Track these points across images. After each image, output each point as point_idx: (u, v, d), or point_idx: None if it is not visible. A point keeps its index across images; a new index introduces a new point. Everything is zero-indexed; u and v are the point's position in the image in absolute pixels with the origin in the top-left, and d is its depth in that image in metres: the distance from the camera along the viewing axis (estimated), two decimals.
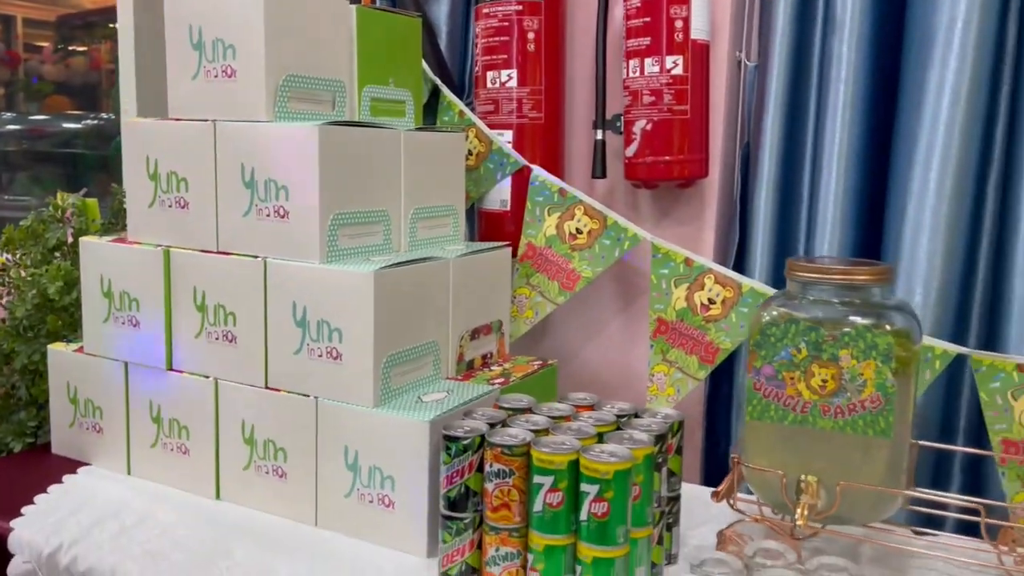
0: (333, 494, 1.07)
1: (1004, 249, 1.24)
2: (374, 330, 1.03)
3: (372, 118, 1.24)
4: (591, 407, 1.05)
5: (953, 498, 1.04)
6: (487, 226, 1.47)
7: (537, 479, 0.88)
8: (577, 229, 1.38)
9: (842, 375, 0.88)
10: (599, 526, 0.86)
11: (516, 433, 0.93)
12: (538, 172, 1.40)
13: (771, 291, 1.23)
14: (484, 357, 1.27)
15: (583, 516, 0.87)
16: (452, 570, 0.95)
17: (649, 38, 1.29)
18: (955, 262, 1.24)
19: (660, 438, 0.95)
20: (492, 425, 0.96)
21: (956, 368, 1.19)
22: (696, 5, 1.28)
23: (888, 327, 0.89)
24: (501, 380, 1.18)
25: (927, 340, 1.19)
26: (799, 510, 0.88)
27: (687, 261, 1.31)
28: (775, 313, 0.93)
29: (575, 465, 0.87)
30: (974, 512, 0.91)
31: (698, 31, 1.29)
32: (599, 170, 1.40)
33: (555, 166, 1.45)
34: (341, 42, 1.19)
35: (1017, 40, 1.22)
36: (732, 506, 0.97)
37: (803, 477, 0.88)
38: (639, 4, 1.29)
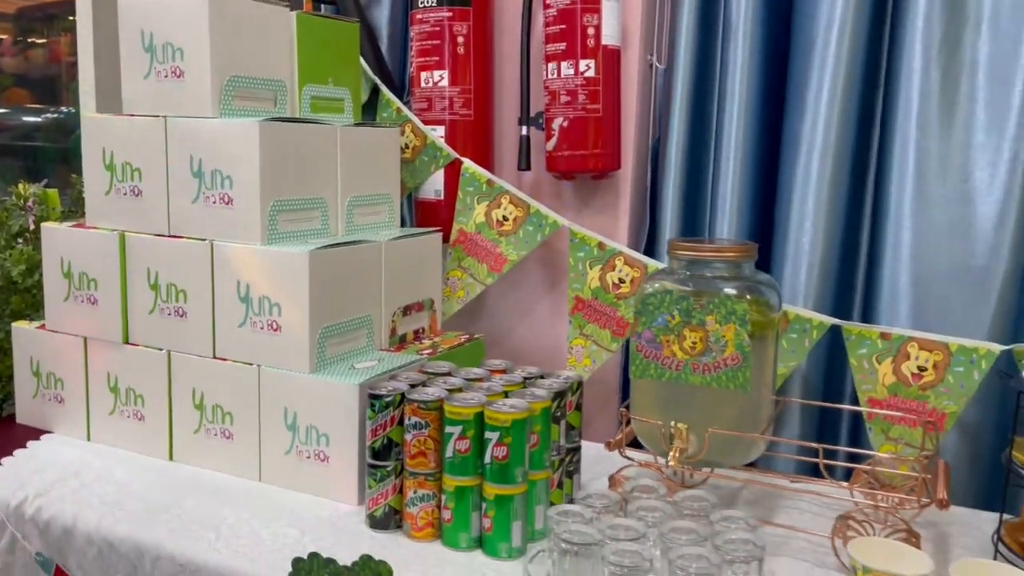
0: (275, 452, 1.20)
1: (879, 233, 1.40)
2: (309, 305, 1.16)
3: (312, 114, 1.36)
4: (504, 371, 1.19)
5: (798, 443, 1.20)
6: (423, 214, 1.60)
7: (448, 429, 1.02)
8: (504, 216, 1.52)
9: (708, 338, 1.02)
10: (500, 468, 1.00)
11: (432, 391, 1.06)
12: (468, 164, 1.53)
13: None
14: (416, 332, 1.40)
15: (487, 460, 1.01)
16: (377, 512, 1.08)
17: (564, 43, 1.43)
18: (834, 244, 1.40)
19: (559, 395, 1.09)
20: (413, 386, 1.10)
21: (836, 337, 1.35)
22: (607, 14, 1.42)
23: (747, 296, 1.04)
24: (429, 351, 1.31)
25: (806, 312, 1.35)
26: (671, 453, 1.02)
27: (600, 245, 1.45)
28: (656, 285, 1.07)
29: (480, 416, 1.01)
30: (832, 456, 1.06)
31: (609, 37, 1.43)
32: (524, 163, 1.54)
33: (485, 159, 1.59)
34: (282, 46, 1.31)
35: (890, 44, 1.37)
36: (622, 454, 1.12)
37: (673, 425, 1.03)
38: (556, 12, 1.43)
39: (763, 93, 1.45)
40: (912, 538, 0.96)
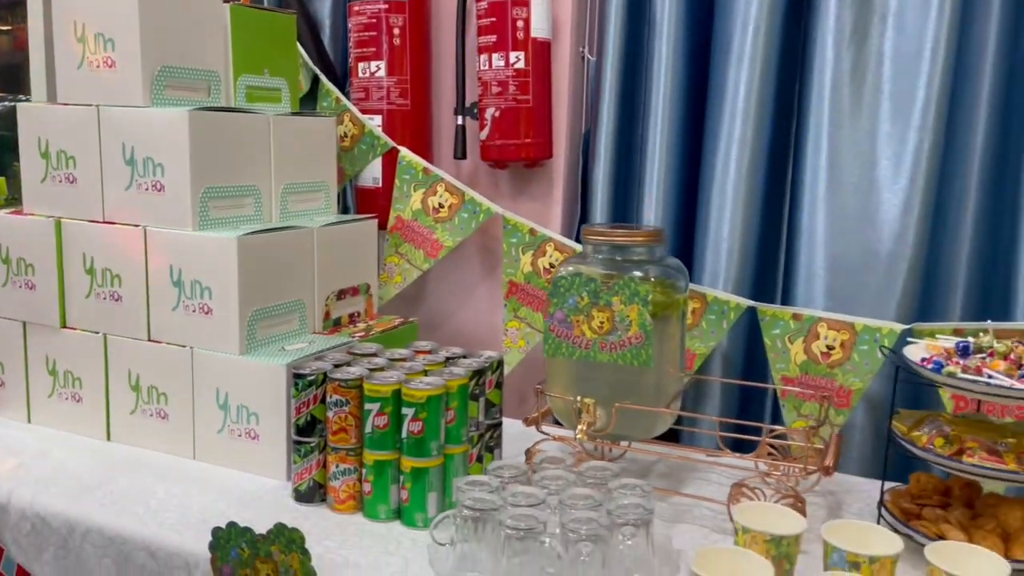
0: (207, 431, 1.24)
1: (795, 220, 1.46)
2: (239, 289, 1.20)
3: (247, 104, 1.39)
4: (429, 351, 1.24)
5: (700, 417, 1.27)
6: (362, 201, 1.65)
7: (367, 406, 1.07)
8: (439, 204, 1.56)
9: (614, 317, 1.08)
10: (416, 442, 1.05)
11: (354, 371, 1.11)
12: (404, 153, 1.58)
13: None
14: (352, 316, 1.45)
15: (403, 434, 1.06)
16: (302, 486, 1.13)
17: (495, 36, 1.48)
18: (753, 230, 1.46)
19: (477, 373, 1.15)
20: (337, 366, 1.14)
21: (755, 318, 1.42)
22: (536, 8, 1.47)
23: (652, 278, 1.09)
24: (362, 334, 1.36)
25: (724, 295, 1.42)
26: (579, 427, 1.08)
27: (532, 231, 1.51)
28: (569, 269, 1.13)
29: (397, 394, 1.06)
30: (754, 432, 1.12)
31: (538, 30, 1.48)
32: (460, 151, 1.58)
33: (423, 147, 1.63)
34: (215, 37, 1.34)
35: (804, 38, 1.43)
36: (538, 428, 1.18)
37: (577, 399, 1.09)
38: (487, 6, 1.48)
39: (687, 86, 1.50)
40: (798, 503, 1.02)
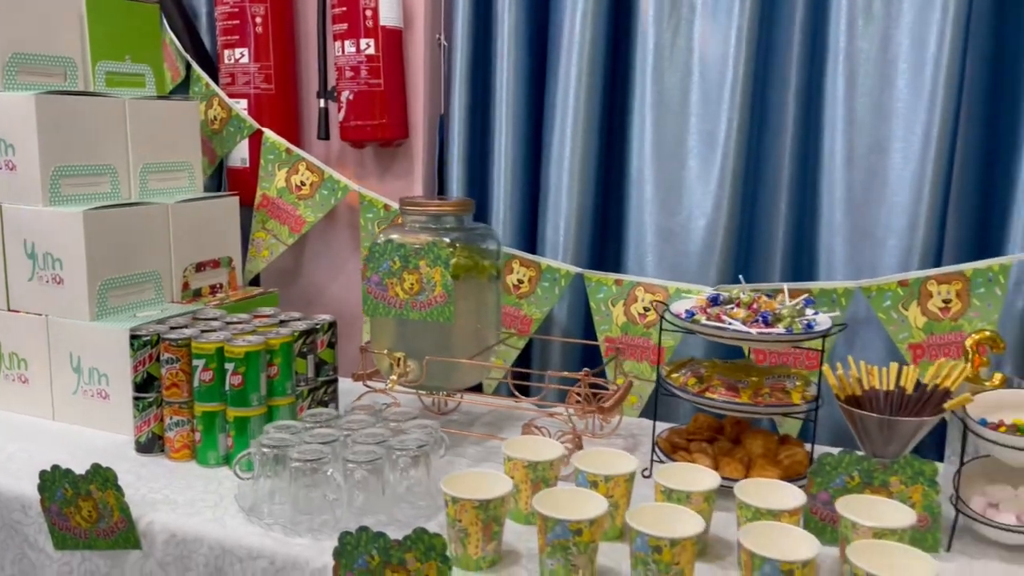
0: (64, 392, 1.34)
1: (625, 193, 1.59)
2: (87, 260, 1.29)
3: (107, 89, 1.48)
4: (269, 316, 1.35)
5: (508, 368, 1.39)
6: (232, 180, 1.74)
7: (195, 362, 1.18)
8: (301, 182, 1.67)
9: (422, 279, 1.20)
10: (238, 394, 1.16)
11: (186, 332, 1.22)
12: (268, 134, 1.67)
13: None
14: (212, 287, 1.55)
15: (227, 387, 1.17)
16: (142, 438, 1.23)
17: (347, 24, 1.58)
18: (587, 203, 1.58)
19: (305, 333, 1.26)
20: (174, 328, 1.25)
21: (579, 284, 1.54)
22: None
23: (456, 244, 1.21)
24: (217, 303, 1.46)
25: (555, 263, 1.55)
26: (391, 377, 1.20)
27: (385, 207, 1.62)
28: (382, 237, 1.24)
29: (221, 351, 1.17)
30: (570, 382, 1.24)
31: (388, 19, 1.59)
32: (323, 132, 1.68)
33: (291, 129, 1.73)
34: (70, 24, 1.42)
35: (628, 29, 1.55)
36: (364, 383, 1.29)
37: (388, 353, 1.21)
38: None
39: (528, 70, 1.62)
40: (576, 439, 1.15)
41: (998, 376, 1.11)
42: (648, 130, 1.54)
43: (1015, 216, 1.35)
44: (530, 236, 1.66)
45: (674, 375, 1.16)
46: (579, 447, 1.13)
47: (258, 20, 1.65)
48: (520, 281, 1.57)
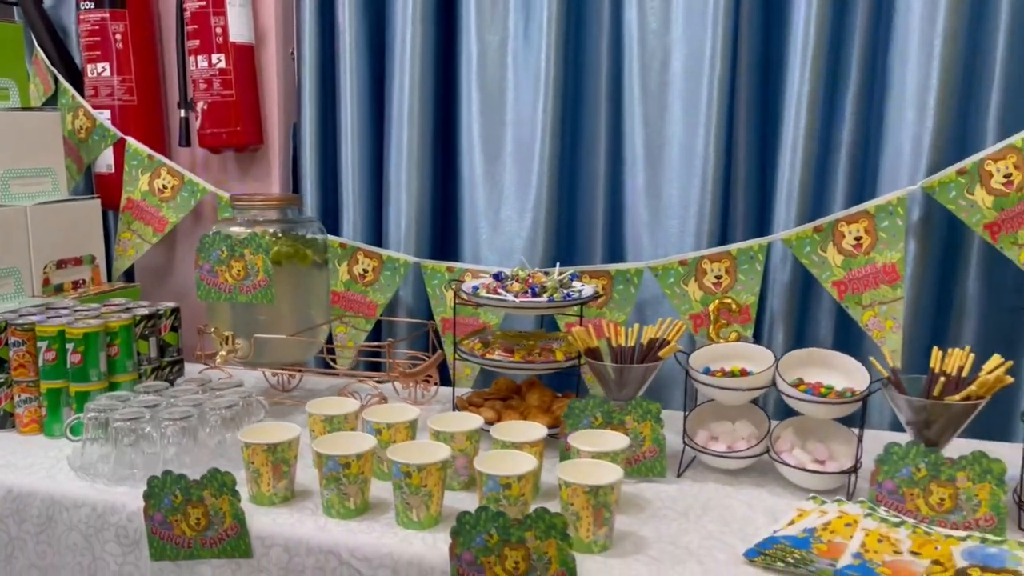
0: None
1: (457, 191, 1.77)
2: None
3: None
4: (118, 305, 1.49)
5: (327, 346, 1.56)
6: (99, 185, 1.87)
7: (39, 344, 1.31)
8: (163, 185, 1.81)
9: (247, 266, 1.36)
10: (77, 370, 1.30)
11: (33, 318, 1.35)
12: (131, 142, 1.81)
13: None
14: (76, 283, 1.67)
15: (68, 365, 1.30)
16: None
17: (199, 40, 1.73)
18: (425, 200, 1.76)
19: (147, 318, 1.40)
20: (23, 316, 1.38)
21: (417, 272, 1.72)
22: (233, 16, 1.73)
23: (278, 234, 1.38)
24: (75, 296, 1.59)
25: (395, 254, 1.72)
26: (220, 353, 1.36)
27: None
28: (213, 230, 1.40)
29: (63, 333, 1.31)
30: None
31: (238, 35, 1.74)
32: (183, 140, 1.83)
33: (155, 137, 1.87)
34: None
35: (454, 43, 1.74)
36: (203, 361, 1.44)
37: (212, 331, 1.36)
38: (190, 14, 1.73)
39: (369, 79, 1.79)
40: (382, 401, 1.33)
41: (733, 335, 1.32)
42: (476, 133, 1.73)
43: (776, 204, 1.58)
44: (377, 230, 1.83)
45: (465, 342, 1.34)
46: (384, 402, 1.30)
47: (118, 36, 1.79)
48: (365, 271, 1.74)
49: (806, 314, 1.61)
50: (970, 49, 1.45)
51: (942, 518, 0.98)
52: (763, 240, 1.52)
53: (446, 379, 1.71)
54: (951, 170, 1.41)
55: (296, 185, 1.87)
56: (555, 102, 1.65)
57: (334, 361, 1.52)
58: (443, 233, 1.82)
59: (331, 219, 1.84)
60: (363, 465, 1.05)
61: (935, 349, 1.09)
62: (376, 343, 1.54)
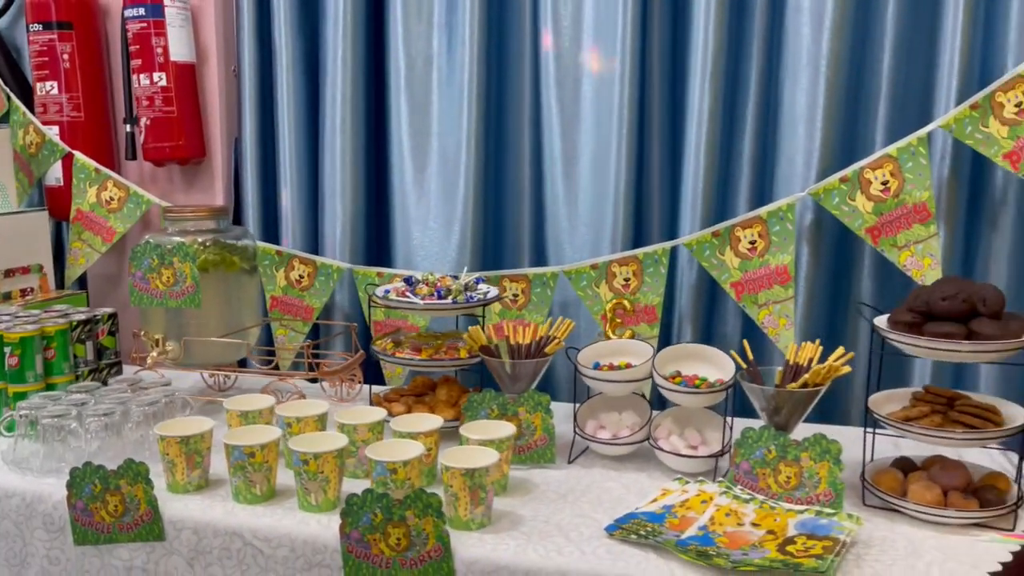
0: None
1: (388, 201, 1.87)
2: None
3: None
4: (58, 311, 1.58)
5: (259, 348, 1.65)
6: (50, 198, 1.96)
7: None
8: (110, 197, 1.90)
9: (176, 273, 1.45)
10: (15, 373, 1.39)
11: None
12: (78, 156, 1.90)
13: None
14: (24, 291, 1.76)
15: (6, 368, 1.40)
16: None
17: (141, 60, 1.82)
18: (360, 209, 1.85)
19: (83, 323, 1.49)
20: None
21: (351, 277, 1.82)
22: (173, 37, 1.82)
23: (206, 243, 1.47)
24: (22, 303, 1.68)
25: (329, 260, 1.81)
26: (151, 355, 1.45)
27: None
28: (144, 239, 1.49)
29: (1, 338, 1.40)
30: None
31: (178, 55, 1.84)
32: (129, 154, 1.92)
33: (103, 152, 1.96)
34: None
35: (382, 56, 1.84)
36: (138, 363, 1.53)
37: (143, 333, 1.46)
38: (132, 35, 1.82)
39: (305, 94, 1.88)
40: (301, 397, 1.42)
41: (628, 333, 1.43)
42: (405, 144, 1.83)
43: (683, 211, 1.68)
44: (314, 237, 1.92)
45: (379, 342, 1.44)
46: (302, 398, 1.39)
47: (65, 56, 1.88)
48: (301, 276, 1.83)
49: (713, 313, 1.72)
50: (855, 68, 1.57)
51: (788, 494, 1.09)
52: (667, 244, 1.63)
53: (381, 379, 1.81)
54: (834, 178, 1.51)
55: (238, 196, 1.97)
56: (478, 115, 1.75)
57: (269, 362, 1.62)
58: (377, 240, 1.92)
59: (272, 228, 1.94)
60: (267, 454, 1.15)
61: (791, 344, 1.20)
62: (303, 344, 1.64)
